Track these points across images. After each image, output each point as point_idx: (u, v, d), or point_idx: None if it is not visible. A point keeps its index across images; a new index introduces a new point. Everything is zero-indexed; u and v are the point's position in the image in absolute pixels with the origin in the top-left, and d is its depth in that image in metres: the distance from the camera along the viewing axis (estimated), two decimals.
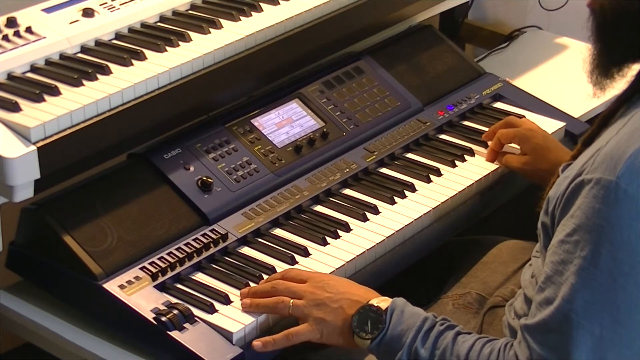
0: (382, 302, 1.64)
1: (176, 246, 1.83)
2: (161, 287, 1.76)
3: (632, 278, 1.41)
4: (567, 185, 1.48)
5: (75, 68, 1.88)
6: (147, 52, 1.94)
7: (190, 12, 2.13)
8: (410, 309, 1.63)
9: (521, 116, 2.33)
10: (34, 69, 1.89)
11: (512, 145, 2.13)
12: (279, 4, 2.15)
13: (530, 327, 1.49)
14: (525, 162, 2.07)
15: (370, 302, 1.64)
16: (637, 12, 1.46)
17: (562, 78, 2.64)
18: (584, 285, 1.43)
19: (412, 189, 2.05)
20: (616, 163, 1.41)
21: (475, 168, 2.14)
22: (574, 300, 1.43)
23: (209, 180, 1.94)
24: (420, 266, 2.00)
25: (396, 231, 1.93)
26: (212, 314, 1.71)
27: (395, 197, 2.02)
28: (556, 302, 1.45)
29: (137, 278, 1.76)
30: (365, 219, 1.96)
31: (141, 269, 1.78)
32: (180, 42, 1.99)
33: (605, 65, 1.53)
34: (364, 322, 1.62)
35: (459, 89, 2.41)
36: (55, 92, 1.80)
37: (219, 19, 2.07)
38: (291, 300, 1.67)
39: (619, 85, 1.55)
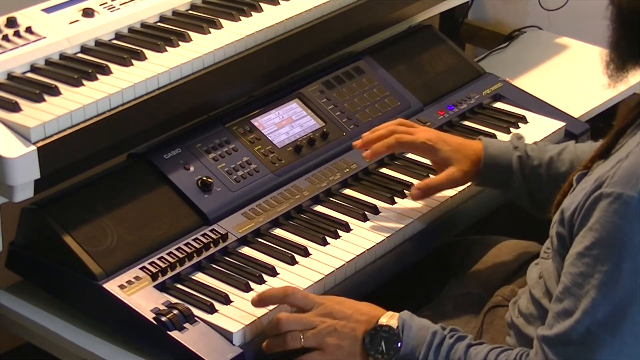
0: (390, 319, 1.65)
1: (176, 246, 1.83)
2: (161, 287, 1.76)
3: None
4: (585, 197, 1.48)
5: (75, 68, 1.88)
6: (147, 52, 1.95)
7: (190, 12, 2.13)
8: (417, 323, 1.64)
9: (521, 116, 2.33)
10: (34, 69, 1.89)
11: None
12: (279, 4, 2.15)
13: (548, 338, 1.49)
14: (451, 174, 1.94)
15: (379, 322, 1.64)
16: None
17: (562, 78, 2.64)
18: (605, 299, 1.43)
19: None
20: (638, 178, 1.41)
21: None
22: (595, 313, 1.44)
23: (209, 180, 1.94)
24: (420, 266, 2.00)
25: (396, 231, 1.93)
26: (212, 314, 1.71)
27: (395, 197, 2.02)
28: (576, 314, 1.46)
29: (137, 278, 1.76)
30: (365, 219, 1.96)
31: (141, 269, 1.78)
32: (180, 42, 1.99)
33: (622, 58, 1.52)
34: (377, 342, 1.63)
35: (459, 89, 2.41)
36: (55, 92, 1.80)
37: (219, 19, 2.07)
38: (301, 333, 1.66)
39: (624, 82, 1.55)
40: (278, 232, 1.93)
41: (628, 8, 1.48)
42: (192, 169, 1.96)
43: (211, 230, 1.88)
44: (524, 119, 2.33)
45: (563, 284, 1.49)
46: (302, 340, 1.65)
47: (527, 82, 2.57)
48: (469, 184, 2.02)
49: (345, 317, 1.66)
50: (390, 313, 1.66)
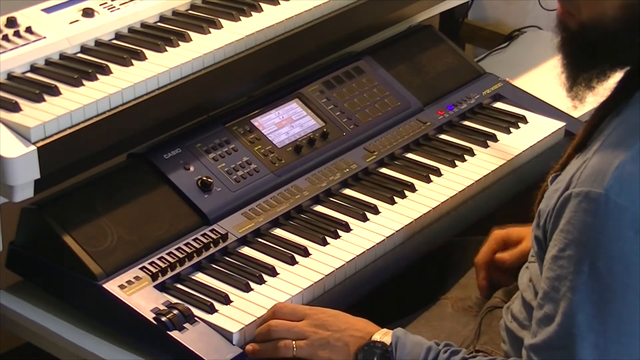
0: (384, 336, 1.64)
1: (176, 246, 1.83)
2: (161, 287, 1.76)
3: (631, 287, 1.41)
4: (556, 198, 1.48)
5: (75, 68, 1.88)
6: (147, 52, 1.95)
7: (190, 12, 2.13)
8: (411, 339, 1.63)
9: (521, 116, 2.33)
10: (34, 69, 1.89)
11: None
12: (279, 4, 2.15)
13: (535, 346, 1.49)
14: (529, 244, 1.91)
15: (373, 338, 1.64)
16: (616, 30, 1.46)
17: None
18: (583, 300, 1.42)
19: (412, 189, 2.05)
20: (604, 175, 1.41)
21: (475, 168, 2.14)
22: (575, 315, 1.43)
23: (209, 180, 1.94)
24: (420, 266, 2.00)
25: (396, 231, 1.93)
26: (212, 314, 1.71)
27: (395, 197, 2.02)
28: (557, 318, 1.45)
29: (137, 278, 1.76)
30: (365, 219, 1.96)
31: (141, 269, 1.78)
32: (180, 42, 1.99)
33: (585, 76, 1.52)
34: (370, 358, 1.62)
35: (459, 89, 2.41)
36: (55, 92, 1.80)
37: (219, 19, 2.07)
38: (294, 342, 1.66)
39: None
40: (278, 232, 1.93)
41: (590, 18, 1.48)
42: (192, 169, 1.96)
43: (211, 230, 1.88)
44: (524, 119, 2.33)
45: (542, 289, 1.49)
46: (295, 350, 1.65)
47: (527, 82, 2.57)
48: (470, 183, 2.02)
49: (339, 330, 1.65)
50: (384, 330, 1.66)
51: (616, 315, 1.42)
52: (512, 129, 2.29)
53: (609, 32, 1.46)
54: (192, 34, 2.02)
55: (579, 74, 1.52)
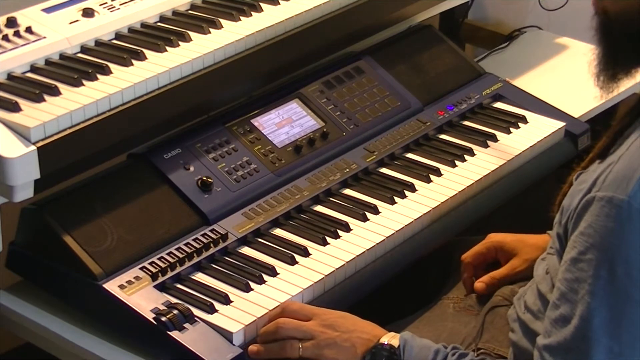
0: (391, 339, 1.64)
1: (176, 246, 1.83)
2: (161, 287, 1.76)
3: None
4: (580, 199, 1.48)
5: (75, 68, 1.88)
6: (147, 52, 1.95)
7: (190, 12, 2.13)
8: (418, 343, 1.64)
9: (521, 116, 2.33)
10: (34, 69, 1.89)
11: None
12: (279, 4, 2.15)
13: (549, 347, 1.49)
14: (514, 265, 1.93)
15: (381, 341, 1.64)
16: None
17: (562, 78, 2.64)
18: (601, 304, 1.43)
19: (412, 189, 2.05)
20: (628, 181, 1.41)
21: (475, 168, 2.14)
22: (592, 318, 1.43)
23: (209, 180, 1.94)
24: (420, 266, 2.00)
25: (396, 231, 1.93)
26: (212, 314, 1.71)
27: (395, 197, 2.02)
28: (574, 320, 1.46)
29: (137, 278, 1.76)
30: (365, 219, 1.96)
31: (141, 269, 1.78)
32: (180, 42, 1.99)
33: (611, 69, 1.52)
34: None
35: (459, 89, 2.41)
36: (55, 92, 1.80)
37: (219, 19, 2.07)
38: (300, 344, 1.66)
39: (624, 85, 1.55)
40: (278, 232, 1.93)
41: (616, 16, 1.48)
42: (192, 169, 1.96)
43: (211, 230, 1.88)
44: (524, 119, 2.33)
45: (559, 290, 1.49)
46: (301, 350, 1.65)
47: (527, 82, 2.57)
48: (470, 183, 2.02)
49: (347, 331, 1.66)
50: (391, 333, 1.66)
51: (631, 321, 1.42)
52: (512, 129, 2.29)
53: (635, 27, 1.46)
54: (192, 34, 2.02)
55: (608, 66, 1.53)
